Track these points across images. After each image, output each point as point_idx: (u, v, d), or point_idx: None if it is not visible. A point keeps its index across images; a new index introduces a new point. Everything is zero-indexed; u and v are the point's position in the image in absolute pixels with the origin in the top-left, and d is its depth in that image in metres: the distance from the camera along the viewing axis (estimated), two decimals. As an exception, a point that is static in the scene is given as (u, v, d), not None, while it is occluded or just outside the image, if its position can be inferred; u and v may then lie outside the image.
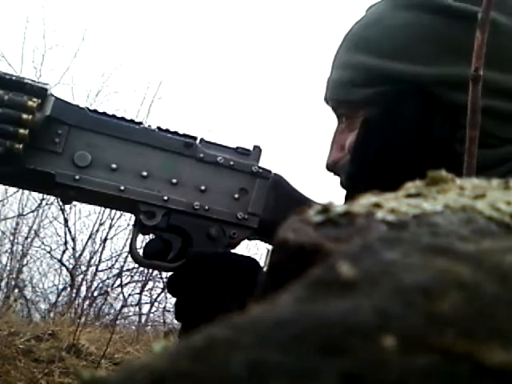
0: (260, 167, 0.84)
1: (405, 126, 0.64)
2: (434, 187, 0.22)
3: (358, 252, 0.16)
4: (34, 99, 0.74)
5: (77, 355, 3.62)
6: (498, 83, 0.62)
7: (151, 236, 0.84)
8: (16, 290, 5.58)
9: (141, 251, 0.83)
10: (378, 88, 0.65)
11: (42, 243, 5.85)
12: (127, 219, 5.30)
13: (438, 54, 0.63)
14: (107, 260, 5.75)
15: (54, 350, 3.55)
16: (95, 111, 0.81)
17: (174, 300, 0.81)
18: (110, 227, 5.64)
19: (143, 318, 6.17)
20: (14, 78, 0.75)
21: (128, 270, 5.69)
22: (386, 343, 0.13)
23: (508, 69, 0.62)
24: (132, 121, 0.82)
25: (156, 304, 6.10)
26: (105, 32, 10.87)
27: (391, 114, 0.65)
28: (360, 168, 0.68)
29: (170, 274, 0.83)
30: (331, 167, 0.73)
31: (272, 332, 0.13)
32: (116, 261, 5.74)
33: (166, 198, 0.80)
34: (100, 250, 5.65)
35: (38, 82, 0.76)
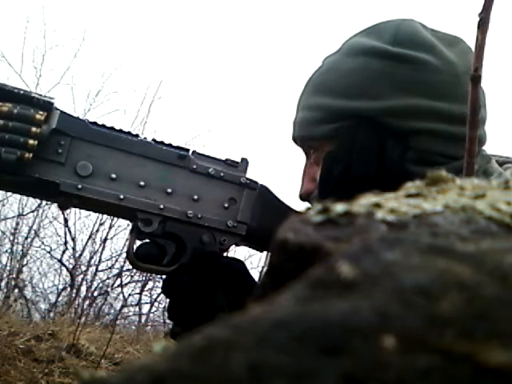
0: (248, 178, 0.89)
1: (360, 153, 0.75)
2: (433, 187, 0.22)
3: (358, 252, 0.16)
4: (41, 112, 0.78)
5: (77, 355, 3.62)
6: (437, 110, 0.74)
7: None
8: (16, 290, 5.58)
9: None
10: (337, 124, 0.77)
11: (42, 243, 5.86)
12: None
13: (384, 90, 0.75)
14: (107, 260, 5.75)
15: (54, 349, 3.55)
16: (95, 123, 0.84)
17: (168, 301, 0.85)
18: (110, 227, 5.64)
19: (143, 318, 6.17)
20: (22, 92, 0.78)
21: (128, 269, 5.69)
22: (385, 344, 0.13)
23: (445, 98, 0.74)
24: (129, 133, 0.86)
25: (156, 304, 6.11)
26: (105, 32, 10.87)
27: (348, 144, 0.76)
28: (325, 196, 0.76)
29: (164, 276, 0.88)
30: (304, 197, 0.83)
31: (272, 332, 0.13)
32: (116, 261, 5.74)
33: (161, 206, 0.85)
34: (100, 250, 5.65)
35: (45, 96, 0.79)
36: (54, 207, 5.63)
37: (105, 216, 5.50)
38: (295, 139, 0.85)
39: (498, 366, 0.12)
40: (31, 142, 0.76)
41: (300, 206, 0.93)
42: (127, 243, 0.92)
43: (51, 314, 5.51)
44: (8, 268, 5.52)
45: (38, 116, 0.77)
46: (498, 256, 0.16)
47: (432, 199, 0.21)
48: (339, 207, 0.20)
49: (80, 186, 0.81)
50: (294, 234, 0.19)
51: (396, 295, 0.14)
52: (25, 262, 5.73)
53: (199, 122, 10.62)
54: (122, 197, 0.83)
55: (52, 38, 8.29)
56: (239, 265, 0.85)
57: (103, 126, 0.84)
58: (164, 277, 0.87)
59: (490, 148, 0.80)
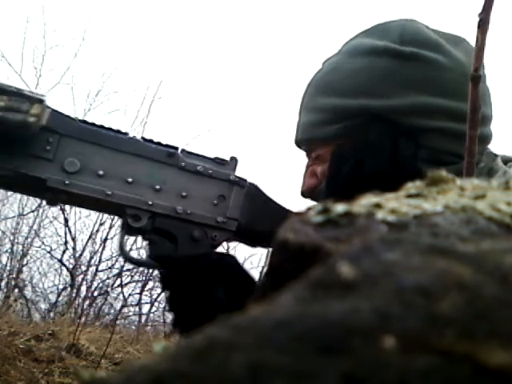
0: (236, 176, 0.90)
1: (373, 150, 0.74)
2: (434, 188, 0.22)
3: (358, 252, 0.16)
4: (36, 106, 0.79)
5: (77, 355, 3.62)
6: (447, 108, 0.73)
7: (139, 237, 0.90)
8: (16, 290, 5.57)
9: (132, 252, 0.87)
10: (344, 123, 0.76)
11: (42, 243, 5.85)
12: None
13: (391, 88, 0.74)
14: (107, 260, 5.74)
15: (53, 349, 3.55)
16: (85, 122, 0.86)
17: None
18: (110, 227, 5.63)
19: (143, 318, 6.17)
20: (14, 89, 0.79)
21: (128, 269, 5.69)
22: (386, 344, 0.13)
23: (454, 96, 0.73)
24: (119, 131, 0.87)
25: (156, 304, 6.11)
26: (105, 32, 10.86)
27: (359, 142, 0.75)
28: (334, 193, 0.76)
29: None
30: (307, 194, 0.83)
31: (272, 333, 0.13)
32: (116, 261, 5.74)
33: (150, 202, 0.86)
34: (100, 250, 5.65)
35: (36, 94, 0.80)
36: (55, 207, 5.63)
37: (105, 216, 5.50)
38: (299, 142, 0.84)
39: (498, 366, 0.12)
40: (34, 111, 0.77)
41: (292, 203, 0.93)
42: (128, 241, 0.93)
43: (51, 314, 5.51)
44: (8, 268, 5.52)
45: (33, 110, 0.78)
46: (498, 256, 0.16)
47: (432, 199, 0.21)
48: (339, 207, 0.20)
49: (67, 182, 0.82)
50: (294, 234, 0.19)
51: (396, 295, 0.14)
52: (25, 262, 5.73)
53: (199, 122, 10.61)
54: (109, 192, 0.84)
55: (52, 38, 8.28)
56: (230, 259, 0.87)
57: (93, 124, 0.85)
58: (160, 272, 0.88)
59: (493, 148, 0.80)
